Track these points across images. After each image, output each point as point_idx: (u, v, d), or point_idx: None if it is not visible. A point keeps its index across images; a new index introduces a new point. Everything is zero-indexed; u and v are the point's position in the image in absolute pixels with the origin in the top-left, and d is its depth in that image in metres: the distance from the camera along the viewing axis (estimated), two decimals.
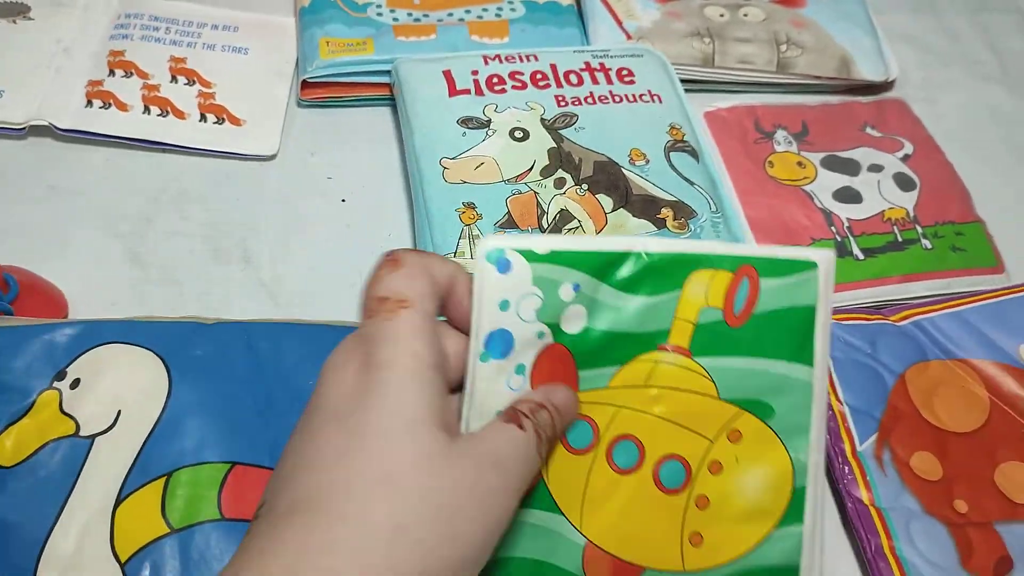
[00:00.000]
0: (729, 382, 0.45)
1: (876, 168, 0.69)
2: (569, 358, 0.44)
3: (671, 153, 0.65)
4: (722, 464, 0.45)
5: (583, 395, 0.44)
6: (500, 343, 0.42)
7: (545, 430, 0.39)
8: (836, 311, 0.61)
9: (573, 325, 0.43)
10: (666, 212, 0.61)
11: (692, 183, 0.63)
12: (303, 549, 0.31)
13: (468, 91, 0.66)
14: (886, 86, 0.78)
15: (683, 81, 0.71)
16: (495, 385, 0.42)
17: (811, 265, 0.46)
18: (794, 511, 0.46)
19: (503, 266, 0.42)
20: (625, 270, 0.44)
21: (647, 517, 0.45)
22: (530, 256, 0.42)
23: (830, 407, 0.57)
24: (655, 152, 0.64)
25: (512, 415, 0.38)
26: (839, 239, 0.64)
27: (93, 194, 0.64)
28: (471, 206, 0.59)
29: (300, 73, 0.70)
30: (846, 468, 0.54)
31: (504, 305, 0.42)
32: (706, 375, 0.45)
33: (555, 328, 0.43)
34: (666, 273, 0.44)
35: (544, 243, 0.43)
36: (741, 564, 0.45)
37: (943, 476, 0.54)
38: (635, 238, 0.44)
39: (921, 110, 0.75)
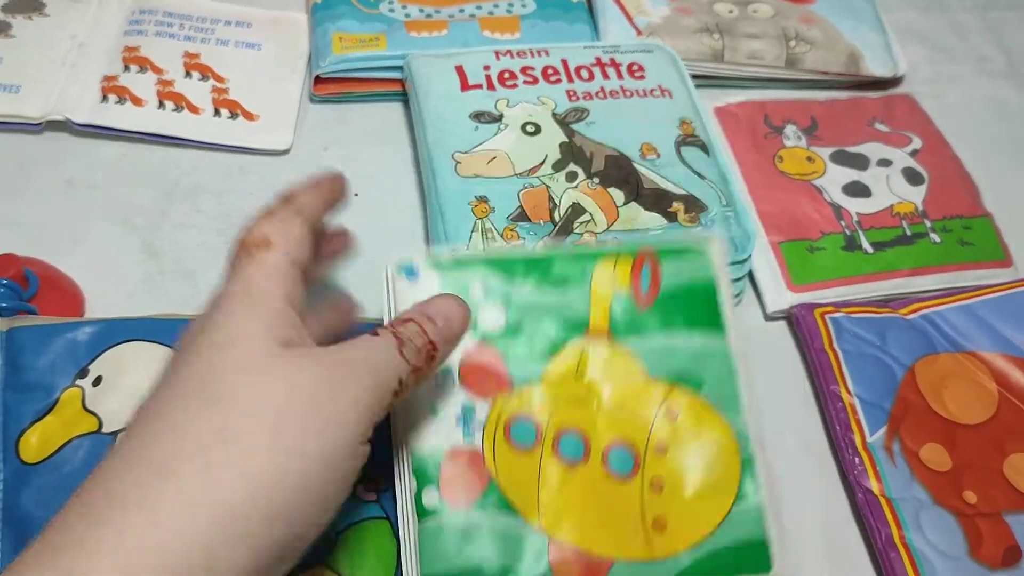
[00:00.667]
0: (654, 359, 0.48)
1: (885, 163, 0.69)
2: (495, 355, 0.47)
3: (682, 147, 0.65)
4: (666, 444, 0.47)
5: (519, 392, 0.47)
6: None
7: (412, 337, 0.38)
8: (846, 304, 0.61)
9: (492, 322, 0.48)
10: (677, 206, 0.61)
11: (703, 177, 0.64)
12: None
13: (480, 86, 0.67)
14: (894, 82, 0.78)
15: (693, 77, 0.71)
16: (422, 385, 0.43)
17: (703, 247, 0.51)
18: (749, 483, 0.48)
19: (412, 275, 0.48)
20: (532, 268, 0.49)
21: (606, 507, 0.46)
22: (436, 264, 0.49)
23: (840, 399, 0.57)
24: (666, 146, 0.65)
25: (371, 331, 0.38)
26: (848, 233, 0.64)
27: (108, 188, 0.64)
28: (483, 200, 0.60)
29: (313, 69, 0.70)
30: (856, 459, 0.55)
31: None
32: (632, 355, 0.49)
33: (474, 327, 0.47)
34: (573, 268, 0.49)
35: (448, 254, 0.49)
36: (710, 545, 0.46)
37: (952, 467, 0.55)
38: (535, 246, 0.50)
39: (929, 106, 0.76)
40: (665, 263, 0.50)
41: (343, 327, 0.47)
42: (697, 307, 0.50)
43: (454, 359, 0.47)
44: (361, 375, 0.36)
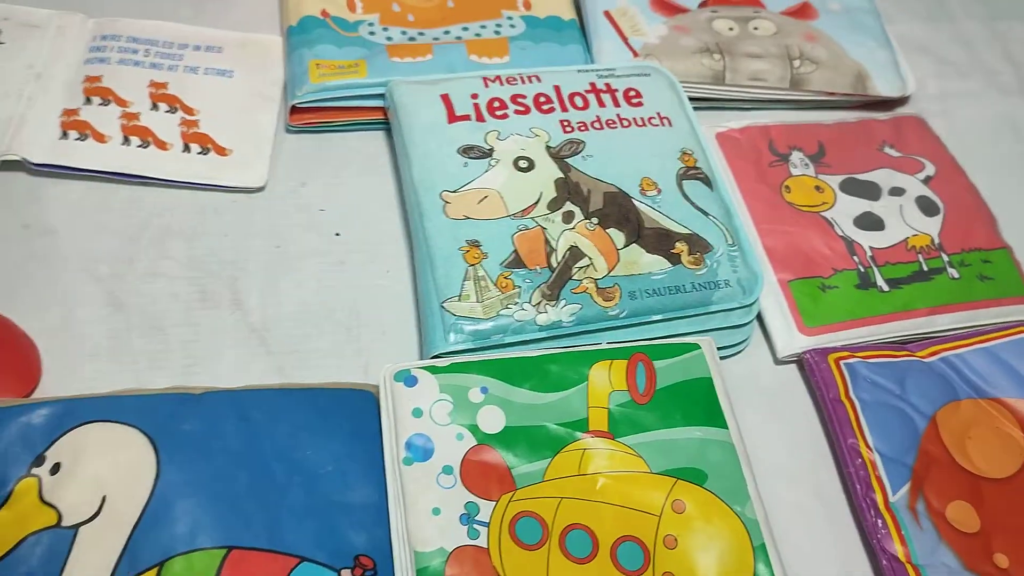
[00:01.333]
0: (656, 455, 0.49)
1: (898, 191, 0.65)
2: (496, 455, 0.48)
3: (683, 181, 0.61)
4: (675, 537, 0.47)
5: (522, 491, 0.47)
6: (419, 447, 0.48)
7: None
8: (861, 348, 0.58)
9: (492, 425, 0.49)
10: (680, 247, 0.58)
11: (707, 214, 0.60)
12: None
13: (468, 117, 0.62)
14: (901, 100, 0.74)
15: (692, 99, 0.67)
16: (425, 485, 0.46)
17: (695, 346, 0.54)
18: (763, 570, 0.47)
19: (410, 382, 0.50)
20: (529, 372, 0.51)
21: None
22: (433, 369, 0.50)
23: (859, 455, 0.53)
24: (667, 181, 0.61)
25: None
26: (862, 269, 0.61)
27: (69, 233, 0.60)
28: (475, 244, 0.56)
29: (288, 97, 0.66)
30: (879, 521, 0.51)
31: (417, 412, 0.49)
32: (633, 452, 0.49)
33: (474, 429, 0.49)
34: (568, 370, 0.51)
35: (445, 359, 0.51)
36: None
37: (981, 528, 0.52)
38: (530, 351, 0.52)
39: (938, 125, 0.72)
40: (658, 362, 0.52)
41: None
42: (696, 403, 0.52)
43: (455, 459, 0.48)
44: None
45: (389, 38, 0.68)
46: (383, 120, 0.67)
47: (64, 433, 0.45)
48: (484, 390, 0.50)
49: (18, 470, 0.43)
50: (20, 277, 0.57)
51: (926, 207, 0.65)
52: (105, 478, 0.44)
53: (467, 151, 0.60)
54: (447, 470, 0.47)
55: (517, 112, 0.63)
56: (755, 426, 0.55)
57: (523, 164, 0.60)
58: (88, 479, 0.43)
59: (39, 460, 0.44)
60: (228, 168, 0.63)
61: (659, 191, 0.60)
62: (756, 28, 0.73)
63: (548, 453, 0.49)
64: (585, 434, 0.50)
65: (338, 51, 0.66)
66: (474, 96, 0.64)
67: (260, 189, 0.63)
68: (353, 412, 0.51)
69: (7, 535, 0.42)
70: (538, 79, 0.65)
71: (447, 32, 0.69)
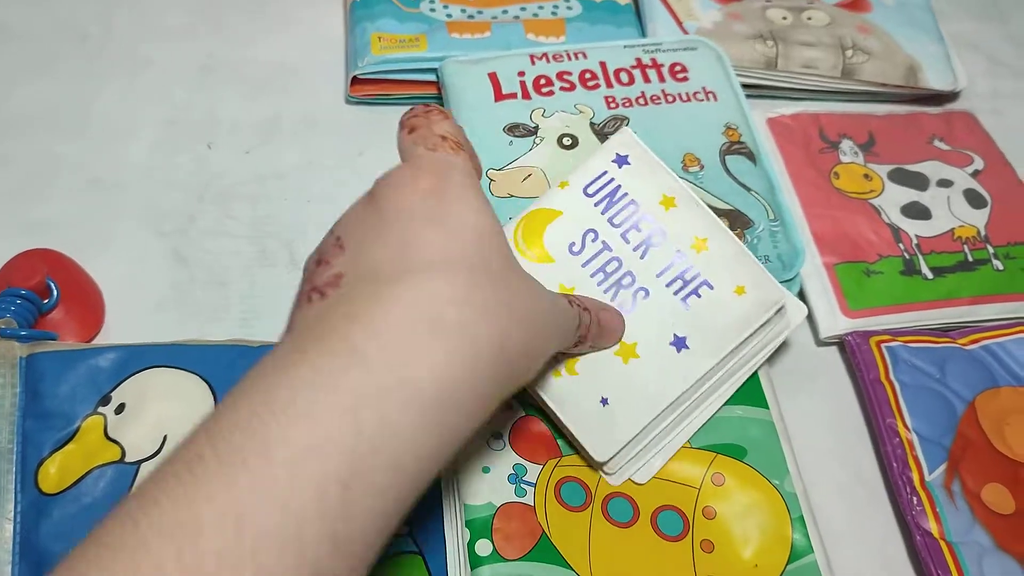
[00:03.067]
0: (697, 432, 0.50)
1: (946, 183, 0.66)
2: (543, 426, 0.49)
3: (726, 156, 0.62)
4: (715, 508, 0.48)
5: (568, 459, 0.49)
6: None
7: (585, 323, 0.43)
8: (903, 332, 0.58)
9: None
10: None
11: (748, 189, 0.60)
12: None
13: (515, 95, 0.63)
14: (951, 97, 0.75)
15: (745, 86, 0.68)
16: (476, 446, 0.48)
17: None
18: (802, 541, 0.48)
19: None
20: None
21: (657, 565, 0.46)
22: None
23: (897, 434, 0.54)
24: (710, 156, 0.62)
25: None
26: (907, 256, 0.61)
27: (137, 189, 0.62)
28: None
29: (350, 68, 0.68)
30: (914, 499, 0.52)
31: None
32: None
33: (522, 401, 0.49)
34: None
35: None
36: None
37: (1016, 510, 0.52)
38: None
39: (988, 123, 0.72)
40: None
41: None
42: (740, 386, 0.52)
43: (506, 427, 0.49)
44: (554, 312, 0.40)
45: (449, 15, 0.70)
46: (438, 95, 0.68)
47: (129, 376, 0.46)
48: None
49: (85, 408, 0.45)
50: (89, 228, 0.59)
51: (973, 199, 0.65)
52: (166, 419, 0.46)
53: (512, 129, 0.62)
54: (496, 435, 0.49)
55: (563, 89, 0.64)
56: (794, 405, 0.55)
57: (567, 142, 0.61)
58: (150, 419, 0.45)
59: (105, 400, 0.46)
60: None
61: (701, 167, 0.61)
62: (810, 18, 0.74)
63: None
64: None
65: (399, 26, 0.68)
66: (520, 74, 0.65)
67: None
68: None
69: (75, 467, 0.44)
70: (584, 55, 0.66)
71: (505, 12, 0.71)
